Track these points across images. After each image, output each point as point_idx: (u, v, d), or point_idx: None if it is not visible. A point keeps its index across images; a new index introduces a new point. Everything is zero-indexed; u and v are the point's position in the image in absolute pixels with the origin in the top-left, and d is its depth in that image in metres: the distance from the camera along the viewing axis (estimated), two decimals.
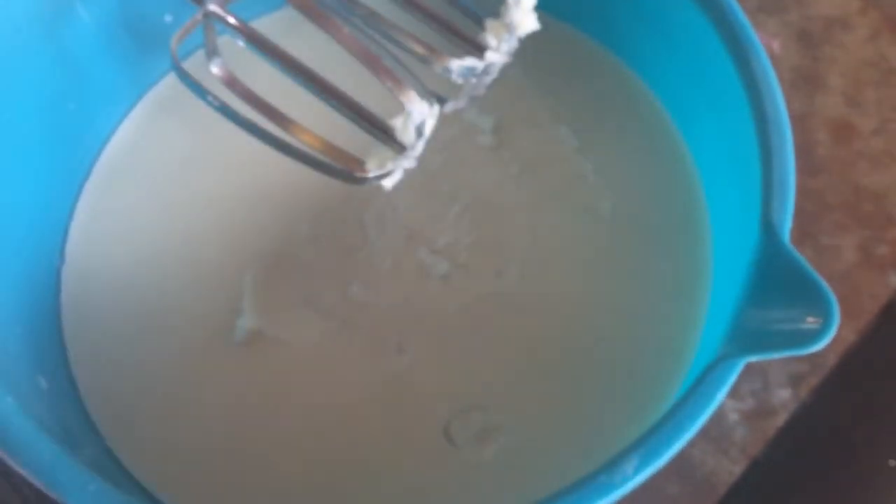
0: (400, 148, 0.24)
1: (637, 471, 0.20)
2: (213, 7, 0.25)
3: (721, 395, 0.21)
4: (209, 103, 0.26)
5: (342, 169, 0.24)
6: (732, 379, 0.21)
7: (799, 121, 0.35)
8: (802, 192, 0.33)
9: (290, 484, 0.26)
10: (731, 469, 0.30)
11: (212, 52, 0.26)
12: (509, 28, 0.25)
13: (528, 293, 0.28)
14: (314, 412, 0.27)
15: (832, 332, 0.20)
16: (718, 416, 0.31)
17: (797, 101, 0.35)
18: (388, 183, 0.24)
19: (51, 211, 0.30)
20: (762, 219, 0.23)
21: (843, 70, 0.35)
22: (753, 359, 0.21)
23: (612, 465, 0.20)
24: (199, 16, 0.25)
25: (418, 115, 0.23)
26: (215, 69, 0.26)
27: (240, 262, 0.29)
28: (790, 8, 0.36)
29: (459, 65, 0.24)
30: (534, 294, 0.28)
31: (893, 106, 0.35)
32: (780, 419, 0.31)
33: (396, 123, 0.23)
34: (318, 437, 0.26)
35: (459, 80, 0.25)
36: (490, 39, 0.25)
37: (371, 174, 0.24)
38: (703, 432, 0.30)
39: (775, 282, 0.22)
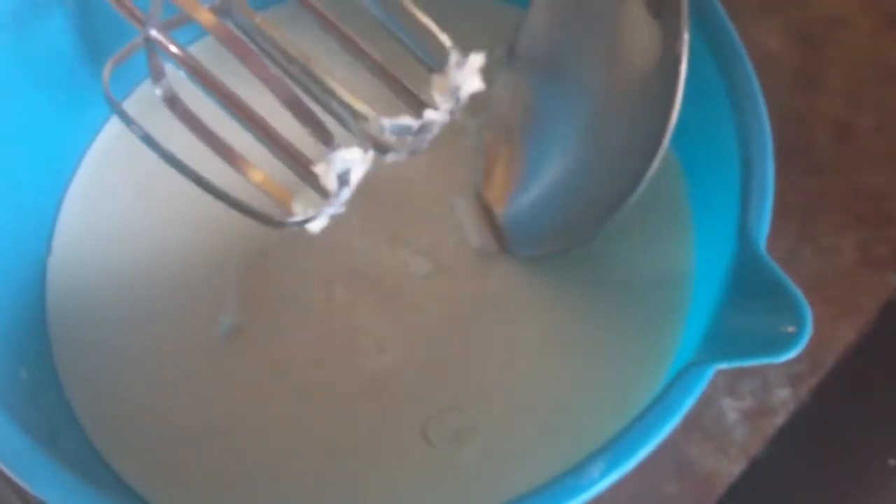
0: (325, 193, 0.23)
1: (603, 474, 0.21)
2: (153, 33, 0.24)
3: (689, 402, 0.21)
4: (134, 132, 0.25)
5: (260, 212, 0.24)
6: (701, 386, 0.21)
7: (799, 121, 0.35)
8: (802, 191, 0.34)
9: (267, 480, 0.26)
10: (730, 468, 0.30)
11: (157, 76, 0.25)
12: (451, 89, 0.24)
13: (508, 295, 0.28)
14: (293, 410, 0.27)
15: (805, 340, 0.20)
16: (718, 416, 0.31)
17: (797, 100, 0.35)
18: (313, 227, 0.23)
19: (39, 202, 0.30)
20: (739, 227, 0.23)
21: (843, 70, 0.35)
22: (725, 366, 0.21)
23: (578, 468, 0.21)
24: (138, 40, 0.24)
25: (341, 163, 0.22)
26: (160, 92, 0.25)
27: (224, 258, 0.29)
28: (790, 8, 0.36)
29: (392, 123, 0.23)
30: (514, 296, 0.28)
31: (894, 106, 0.35)
32: (780, 418, 0.31)
33: (319, 169, 0.23)
34: (297, 435, 0.27)
35: (392, 138, 0.24)
36: (433, 96, 0.24)
37: (294, 219, 0.23)
38: (703, 431, 0.31)
39: (750, 290, 0.22)
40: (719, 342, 0.22)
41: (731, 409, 0.31)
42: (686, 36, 0.23)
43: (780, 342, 0.20)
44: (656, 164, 0.24)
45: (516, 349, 0.27)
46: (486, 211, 0.29)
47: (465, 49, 0.24)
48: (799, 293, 0.21)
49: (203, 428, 0.27)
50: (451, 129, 0.30)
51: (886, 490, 0.30)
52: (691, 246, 0.28)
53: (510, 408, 0.27)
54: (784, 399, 0.31)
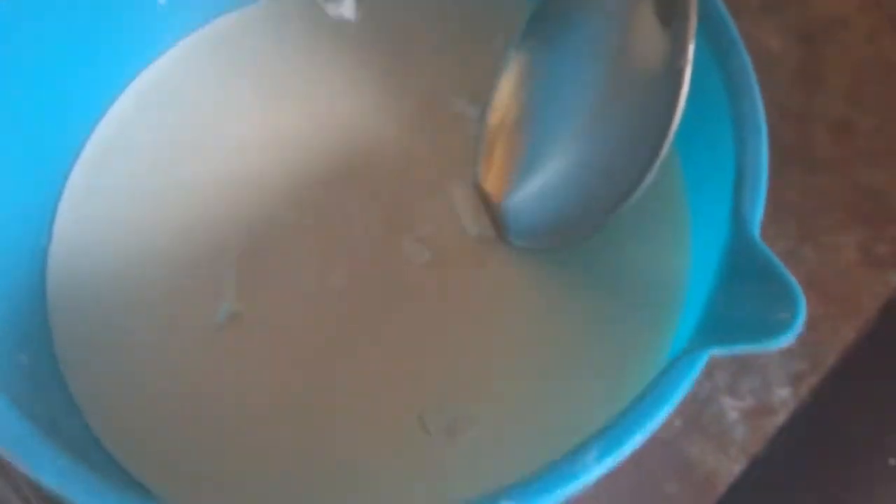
0: None
1: (597, 461, 0.21)
2: None
3: (683, 390, 0.21)
4: None
5: None
6: (695, 373, 0.21)
7: (799, 120, 0.35)
8: (802, 190, 0.34)
9: (262, 464, 0.26)
10: (730, 467, 0.30)
11: None
12: None
13: (507, 284, 0.28)
14: (290, 397, 0.27)
15: (799, 326, 0.20)
16: (718, 415, 0.31)
17: (797, 99, 0.35)
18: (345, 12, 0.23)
19: (40, 188, 0.30)
20: (733, 212, 0.23)
21: (843, 69, 0.35)
22: (718, 352, 0.21)
23: (573, 455, 0.21)
24: None
25: None
26: None
27: (224, 245, 0.29)
28: (790, 7, 0.36)
29: None
30: (512, 285, 0.28)
31: (894, 105, 0.35)
32: (780, 418, 0.31)
33: None
34: (294, 422, 0.27)
35: None
36: None
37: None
38: (703, 431, 0.31)
39: (744, 276, 0.22)
40: (713, 328, 0.22)
41: (732, 408, 0.31)
42: (691, 51, 0.23)
43: (774, 328, 0.20)
44: (655, 169, 0.24)
45: (514, 338, 0.28)
46: (484, 200, 0.29)
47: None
48: (793, 279, 0.20)
49: (201, 414, 0.27)
50: (452, 117, 0.31)
51: (886, 490, 0.30)
52: (687, 233, 0.28)
53: (507, 397, 0.27)
54: (784, 398, 0.31)
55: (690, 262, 0.28)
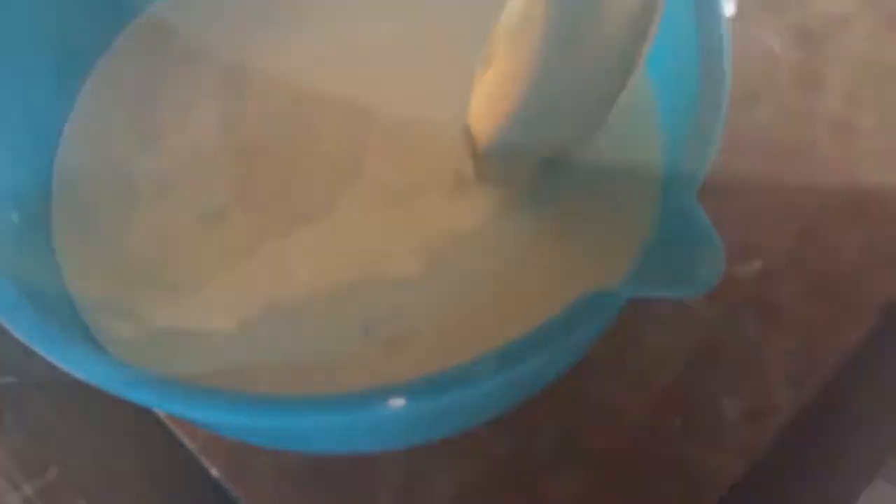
0: None
1: (494, 373, 0.22)
2: None
3: (587, 324, 0.22)
4: None
5: None
6: (602, 312, 0.22)
7: (799, 119, 0.35)
8: (802, 191, 0.34)
9: (219, 339, 0.29)
10: (730, 468, 0.30)
11: None
12: None
13: (473, 218, 0.30)
14: (259, 289, 0.29)
15: (714, 284, 0.21)
16: (718, 415, 0.31)
17: (797, 99, 0.35)
18: None
19: (69, 72, 0.33)
20: (678, 172, 0.24)
21: (843, 68, 0.35)
22: (635, 295, 0.22)
23: (470, 365, 0.22)
24: None
25: None
26: None
27: (228, 146, 0.32)
28: (790, 6, 0.36)
29: None
30: (478, 220, 0.30)
31: (894, 105, 0.35)
32: (780, 418, 0.31)
33: None
34: (256, 311, 0.29)
35: None
36: None
37: None
38: (703, 431, 0.31)
39: (678, 232, 0.23)
40: (642, 276, 0.23)
41: (732, 408, 0.31)
42: None
43: (694, 282, 0.21)
44: (626, 87, 0.25)
45: (466, 268, 0.29)
46: (471, 141, 0.31)
47: None
48: (717, 238, 0.21)
49: (178, 300, 0.29)
50: (458, 60, 0.32)
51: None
52: (657, 196, 0.29)
53: (450, 326, 0.28)
54: (784, 399, 0.31)
55: (652, 214, 0.29)
